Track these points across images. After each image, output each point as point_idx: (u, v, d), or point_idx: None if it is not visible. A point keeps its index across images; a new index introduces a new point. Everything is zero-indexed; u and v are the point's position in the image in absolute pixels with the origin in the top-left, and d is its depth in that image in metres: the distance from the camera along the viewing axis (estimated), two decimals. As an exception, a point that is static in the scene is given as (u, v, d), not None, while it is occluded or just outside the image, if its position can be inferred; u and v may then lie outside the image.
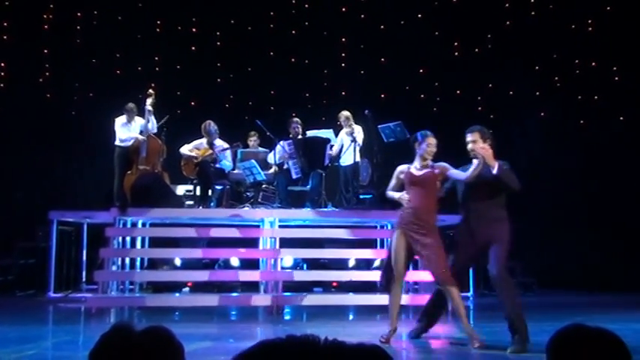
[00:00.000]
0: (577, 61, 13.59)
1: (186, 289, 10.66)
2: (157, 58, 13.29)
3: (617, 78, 13.24)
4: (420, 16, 13.80)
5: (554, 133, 13.03)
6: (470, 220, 6.23)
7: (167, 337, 1.63)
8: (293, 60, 13.60)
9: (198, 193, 9.91)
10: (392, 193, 6.41)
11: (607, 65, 13.28)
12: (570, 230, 12.31)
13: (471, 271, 10.63)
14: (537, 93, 13.53)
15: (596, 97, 13.34)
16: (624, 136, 12.57)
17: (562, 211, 12.53)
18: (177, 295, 10.05)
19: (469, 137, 6.32)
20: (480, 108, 13.71)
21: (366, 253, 10.20)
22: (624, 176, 12.06)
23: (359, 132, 9.96)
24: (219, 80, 13.48)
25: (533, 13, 13.77)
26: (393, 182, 6.43)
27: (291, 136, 9.94)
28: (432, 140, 6.39)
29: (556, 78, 13.66)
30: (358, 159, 9.92)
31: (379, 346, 1.67)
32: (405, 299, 8.94)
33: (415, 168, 6.31)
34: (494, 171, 6.03)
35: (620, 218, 11.88)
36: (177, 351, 1.65)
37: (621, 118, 13.02)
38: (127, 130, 10.06)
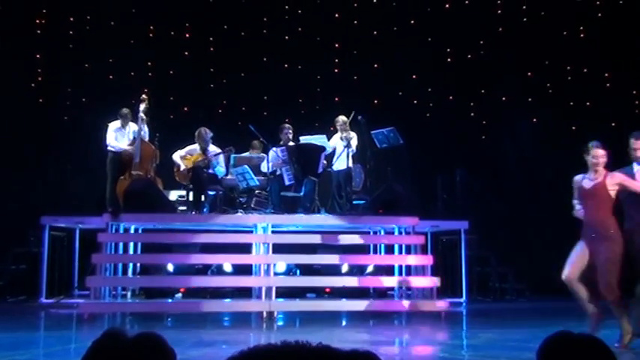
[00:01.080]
0: (569, 68, 13.66)
1: (179, 294, 10.63)
2: (150, 64, 13.27)
3: (608, 84, 13.31)
4: (412, 22, 13.84)
5: (547, 139, 13.08)
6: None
7: (158, 343, 1.62)
8: (286, 65, 13.61)
9: (191, 198, 9.88)
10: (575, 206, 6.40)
11: (598, 72, 13.35)
12: (563, 236, 12.32)
13: (464, 276, 10.66)
14: (529, 99, 13.58)
15: (587, 104, 13.40)
16: (615, 143, 12.60)
17: (555, 217, 12.55)
18: (169, 300, 10.01)
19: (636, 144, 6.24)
20: (472, 114, 13.75)
21: (359, 259, 10.20)
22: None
23: (354, 138, 9.97)
24: (212, 86, 13.47)
25: (525, 19, 13.84)
26: (575, 194, 6.41)
27: (282, 142, 9.93)
28: (595, 152, 6.29)
29: (548, 84, 13.72)
30: (351, 164, 9.92)
31: (372, 353, 1.66)
32: (402, 305, 8.95)
33: (587, 179, 6.26)
34: None
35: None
36: (168, 357, 1.65)
37: (612, 124, 13.08)
38: (121, 135, 10.05)
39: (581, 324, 7.63)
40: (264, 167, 10.02)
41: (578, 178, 6.32)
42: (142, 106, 9.96)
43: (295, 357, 0.92)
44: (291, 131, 10.06)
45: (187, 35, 13.60)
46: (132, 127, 10.05)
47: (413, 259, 9.45)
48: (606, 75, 13.39)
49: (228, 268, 10.88)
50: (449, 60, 13.89)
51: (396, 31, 13.67)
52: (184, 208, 10.11)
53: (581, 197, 6.18)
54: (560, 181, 12.72)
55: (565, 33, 13.63)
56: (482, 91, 13.73)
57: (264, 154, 10.36)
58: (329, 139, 10.27)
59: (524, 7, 13.89)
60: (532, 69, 13.64)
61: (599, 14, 13.53)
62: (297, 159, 9.65)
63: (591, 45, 13.27)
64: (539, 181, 12.81)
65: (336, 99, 13.13)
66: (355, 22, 13.85)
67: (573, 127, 13.35)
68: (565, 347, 1.65)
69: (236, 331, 8.06)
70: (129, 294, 10.23)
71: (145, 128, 10.01)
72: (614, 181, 6.17)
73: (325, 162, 9.95)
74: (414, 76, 13.72)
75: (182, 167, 9.90)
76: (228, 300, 9.83)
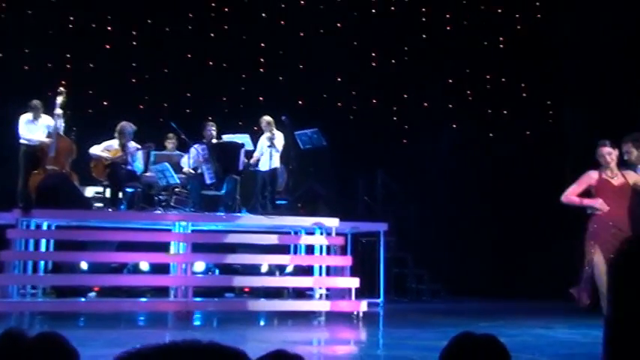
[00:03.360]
0: (488, 77, 14.09)
1: (93, 293, 10.33)
2: (68, 55, 12.85)
3: (524, 94, 13.82)
4: (339, 25, 13.96)
5: (466, 144, 13.45)
6: None
7: (59, 342, 1.57)
8: (211, 63, 13.46)
9: (108, 195, 9.63)
10: (575, 199, 6.17)
11: (515, 81, 13.84)
12: (477, 239, 12.73)
13: (381, 277, 10.83)
14: (450, 105, 13.94)
15: (505, 112, 13.87)
16: (529, 150, 13.12)
17: (470, 219, 12.94)
18: (82, 300, 9.71)
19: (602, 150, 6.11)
20: (395, 118, 13.99)
21: (278, 259, 10.20)
22: (529, 188, 12.57)
23: (279, 138, 9.95)
24: (133, 80, 13.16)
25: (448, 28, 14.19)
26: (576, 187, 6.19)
27: (205, 140, 9.82)
28: (602, 150, 6.12)
29: (468, 92, 14.12)
30: (276, 165, 9.91)
31: (282, 350, 1.66)
32: (320, 305, 9.01)
33: (608, 176, 6.11)
34: None
35: (526, 227, 12.37)
36: (70, 357, 1.59)
37: (527, 133, 13.59)
38: (34, 127, 9.67)
39: (492, 324, 7.90)
40: (184, 163, 9.88)
41: (593, 173, 6.18)
42: (59, 99, 9.63)
43: (183, 355, 0.91)
44: (214, 129, 9.95)
45: (109, 28, 13.25)
46: (45, 119, 9.67)
47: (332, 260, 9.52)
48: (522, 85, 13.89)
49: (145, 266, 10.66)
50: (373, 64, 14.08)
51: (322, 33, 13.75)
52: (101, 204, 9.84)
53: (605, 191, 6.05)
54: (478, 185, 13.18)
55: (485, 43, 14.06)
56: (405, 95, 13.99)
57: (180, 152, 10.23)
58: (253, 140, 10.23)
59: (447, 16, 14.24)
60: (453, 76, 14.00)
61: (518, 27, 14.02)
62: (218, 157, 9.56)
63: (509, 56, 13.73)
64: (456, 185, 13.16)
65: (261, 98, 13.09)
66: (282, 22, 13.85)
67: (490, 135, 13.79)
68: (465, 348, 1.74)
69: (151, 330, 7.90)
70: (39, 292, 9.86)
71: (61, 122, 9.68)
72: (631, 180, 6.14)
73: (246, 160, 9.90)
74: (338, 79, 13.83)
75: (105, 155, 9.60)
76: (144, 299, 9.63)
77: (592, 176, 6.15)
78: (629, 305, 0.90)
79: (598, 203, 6.01)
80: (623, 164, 6.28)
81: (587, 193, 6.28)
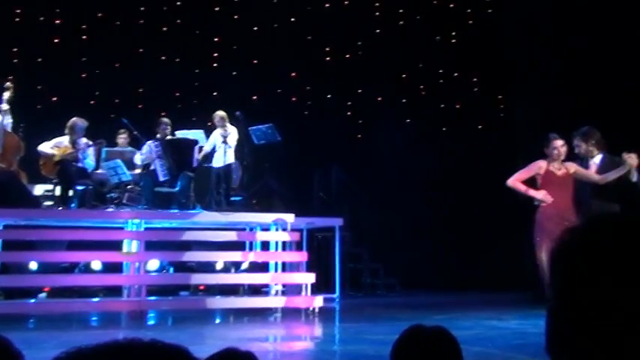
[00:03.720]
0: (441, 71, 14.24)
1: (43, 294, 10.08)
2: (15, 49, 12.50)
3: (476, 89, 14.01)
4: (292, 20, 13.92)
5: (419, 138, 13.58)
6: None
7: (1, 345, 1.50)
8: (163, 58, 13.26)
9: (58, 193, 9.41)
10: (521, 186, 6.31)
11: (467, 76, 14.02)
12: (431, 233, 12.87)
13: (337, 272, 10.86)
14: (404, 100, 14.04)
15: (457, 106, 14.04)
16: (482, 144, 13.31)
17: (424, 214, 13.07)
18: (32, 301, 9.47)
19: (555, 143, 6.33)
20: (349, 113, 14.03)
21: (234, 256, 10.13)
22: (481, 182, 12.75)
23: (232, 133, 9.86)
24: (84, 75, 12.88)
25: (401, 22, 14.28)
26: (523, 173, 6.35)
27: (159, 136, 9.68)
28: (555, 143, 6.41)
29: (421, 86, 14.24)
30: (231, 161, 9.83)
31: (233, 349, 1.64)
32: (276, 302, 8.98)
33: (554, 168, 6.35)
34: (635, 179, 6.13)
35: (478, 221, 12.55)
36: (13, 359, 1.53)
37: (479, 127, 13.79)
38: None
39: (446, 316, 7.99)
40: (137, 160, 9.73)
41: (542, 163, 6.44)
42: (6, 95, 9.36)
43: (123, 354, 0.89)
44: (168, 126, 9.82)
45: (57, 21, 12.94)
46: (-11, 116, 9.39)
47: (288, 256, 9.51)
48: (474, 79, 14.08)
49: (97, 266, 10.45)
50: (327, 59, 14.09)
51: (276, 28, 13.69)
52: (51, 203, 9.61)
53: (550, 184, 6.30)
54: (431, 179, 13.32)
55: (438, 38, 14.20)
56: (359, 90, 14.04)
57: (133, 149, 10.07)
58: (207, 136, 10.13)
59: (400, 11, 14.33)
60: (407, 71, 14.11)
61: (470, 22, 14.20)
62: (171, 153, 9.45)
63: (462, 50, 13.90)
64: (410, 180, 13.28)
65: (215, 94, 12.97)
66: (235, 17, 13.73)
67: (444, 129, 13.94)
68: (415, 339, 1.77)
69: (104, 331, 7.76)
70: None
71: (8, 118, 9.40)
72: (571, 170, 6.40)
73: (200, 154, 9.80)
74: (292, 74, 13.79)
75: (54, 152, 9.37)
76: (96, 299, 9.45)
77: (541, 166, 6.41)
78: (568, 295, 0.91)
79: (541, 194, 6.24)
80: (576, 157, 6.50)
81: (532, 183, 6.48)
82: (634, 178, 6.47)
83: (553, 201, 6.25)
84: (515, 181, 6.45)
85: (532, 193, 6.36)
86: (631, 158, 6.45)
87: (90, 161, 9.64)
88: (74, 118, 9.55)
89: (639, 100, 10.38)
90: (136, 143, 10.14)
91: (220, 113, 9.89)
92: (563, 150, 6.41)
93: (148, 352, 0.90)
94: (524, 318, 7.77)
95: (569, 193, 6.33)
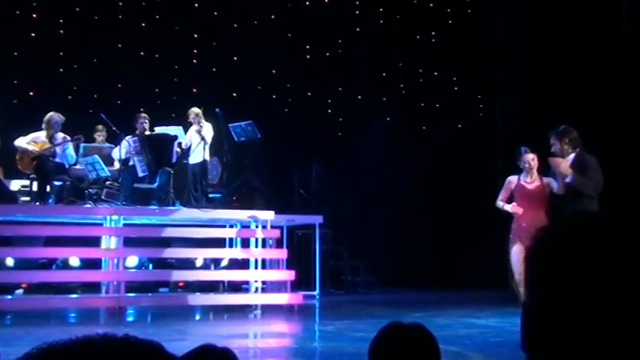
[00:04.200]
0: (421, 70, 14.30)
1: (20, 290, 9.98)
2: (-10, 43, 12.33)
3: (455, 88, 14.08)
4: (273, 17, 13.88)
5: (399, 137, 13.62)
6: None
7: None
8: (142, 53, 13.16)
9: (35, 188, 9.31)
10: (502, 204, 6.68)
11: (447, 75, 14.09)
12: (412, 230, 12.93)
13: (317, 269, 10.88)
14: (384, 98, 14.08)
15: (437, 105, 14.10)
16: (462, 143, 13.39)
17: (405, 211, 13.13)
18: (9, 297, 9.37)
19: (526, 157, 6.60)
20: (329, 110, 14.04)
21: (214, 253, 10.10)
22: (461, 180, 12.83)
23: (208, 130, 9.80)
24: (61, 70, 12.74)
25: (381, 21, 14.31)
26: (503, 193, 6.73)
27: (137, 132, 9.61)
28: (526, 157, 6.65)
29: (401, 85, 14.29)
30: (207, 157, 9.78)
31: (210, 345, 1.64)
32: (256, 299, 8.98)
33: (525, 181, 6.62)
34: (568, 179, 6.24)
35: (457, 219, 12.62)
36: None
37: (459, 125, 13.87)
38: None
39: (426, 314, 8.04)
40: (115, 155, 9.64)
41: (513, 178, 6.78)
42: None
43: (96, 349, 0.88)
44: (147, 121, 9.75)
45: (34, 15, 12.77)
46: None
47: (268, 253, 9.50)
48: (454, 78, 14.15)
49: (75, 262, 10.37)
50: (308, 56, 14.08)
51: (256, 24, 13.65)
52: (28, 198, 9.50)
53: (522, 197, 6.58)
54: (411, 177, 13.38)
55: (418, 37, 14.26)
56: (340, 88, 14.05)
57: (111, 145, 9.99)
58: (186, 132, 10.07)
59: (380, 10, 14.36)
60: (387, 70, 14.15)
61: (450, 21, 14.27)
62: (150, 149, 9.39)
63: (442, 50, 13.97)
64: (391, 178, 13.32)
65: (194, 90, 12.90)
66: (215, 13, 13.67)
67: (424, 127, 14.01)
68: (393, 336, 1.79)
69: (82, 328, 7.68)
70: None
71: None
72: (547, 182, 6.65)
73: (179, 150, 9.74)
74: (273, 71, 13.76)
75: (30, 149, 9.27)
76: (74, 295, 9.37)
77: (511, 181, 6.82)
78: (542, 293, 0.92)
79: (511, 207, 6.57)
80: (552, 155, 6.59)
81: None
82: (554, 190, 6.63)
83: (524, 212, 6.55)
84: (498, 202, 6.88)
85: (506, 207, 6.73)
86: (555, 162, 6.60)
87: (72, 154, 9.54)
88: (51, 113, 9.45)
89: (621, 100, 10.50)
90: (114, 139, 10.05)
91: (195, 110, 9.81)
92: (534, 163, 6.67)
93: (121, 347, 0.90)
94: (502, 316, 7.84)
95: (541, 204, 6.56)
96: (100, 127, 10.29)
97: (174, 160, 9.51)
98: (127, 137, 9.46)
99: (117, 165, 9.64)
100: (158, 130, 10.01)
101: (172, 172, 9.50)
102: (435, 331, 1.91)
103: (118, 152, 9.57)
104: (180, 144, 9.79)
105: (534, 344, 0.93)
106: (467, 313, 8.32)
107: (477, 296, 10.42)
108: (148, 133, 9.67)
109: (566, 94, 10.79)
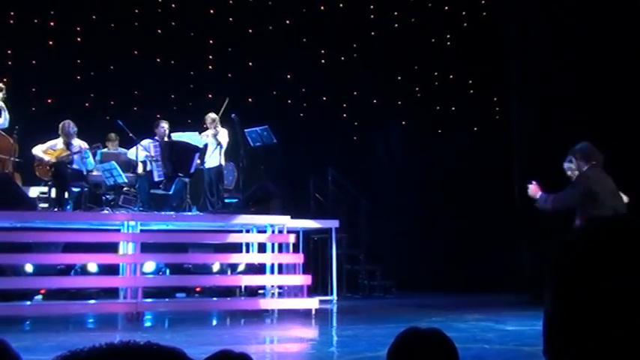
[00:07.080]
0: (436, 73, 14.26)
1: (39, 296, 10.06)
2: (9, 52, 12.47)
3: (471, 91, 14.03)
4: (288, 22, 13.92)
5: (415, 141, 13.59)
6: None
7: (1, 347, 1.50)
8: (158, 60, 13.25)
9: (53, 195, 9.38)
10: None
11: (463, 78, 14.04)
12: (428, 234, 12.87)
13: (333, 273, 10.86)
14: (399, 102, 14.05)
15: (453, 108, 14.05)
16: (478, 146, 13.32)
17: (421, 215, 13.08)
18: (28, 303, 9.45)
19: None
20: (345, 115, 14.03)
21: (230, 258, 10.12)
22: (478, 183, 12.77)
23: (224, 135, 9.83)
24: (79, 78, 12.86)
25: (397, 25, 14.30)
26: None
27: (157, 137, 9.66)
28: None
29: (417, 88, 14.26)
30: (223, 162, 9.81)
31: (228, 351, 1.64)
32: (272, 304, 8.97)
33: None
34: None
35: (475, 222, 12.55)
36: (12, 362, 1.52)
37: (475, 129, 13.80)
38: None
39: (444, 318, 8.00)
40: (131, 154, 9.64)
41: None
42: (-1, 95, 9.32)
43: (119, 357, 0.88)
44: (167, 127, 9.80)
45: (52, 23, 12.90)
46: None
47: (284, 258, 9.50)
48: (470, 82, 14.10)
49: (93, 268, 10.44)
50: (323, 61, 14.09)
51: (271, 30, 13.69)
52: (46, 205, 9.58)
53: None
54: (427, 181, 13.34)
55: (433, 40, 14.22)
56: (355, 92, 14.05)
57: (125, 150, 10.04)
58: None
59: (395, 14, 14.35)
60: (402, 73, 14.12)
61: (465, 24, 14.22)
62: (170, 156, 9.42)
63: (457, 53, 13.92)
64: (406, 182, 13.28)
65: (210, 96, 12.95)
66: (231, 19, 13.73)
67: (439, 131, 13.96)
68: (411, 343, 1.76)
69: (100, 333, 7.73)
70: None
71: (6, 115, 9.32)
72: None
73: (199, 161, 9.77)
74: (288, 76, 13.79)
75: (46, 159, 9.35)
76: (93, 301, 9.42)
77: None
78: (566, 297, 0.91)
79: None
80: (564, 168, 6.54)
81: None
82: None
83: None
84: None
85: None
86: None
87: (91, 161, 9.63)
88: (64, 122, 9.55)
89: (636, 106, 10.39)
90: (128, 146, 10.10)
91: (212, 115, 9.86)
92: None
93: (144, 354, 0.90)
94: (520, 320, 7.78)
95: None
96: (113, 135, 10.34)
97: (192, 170, 9.53)
98: (147, 140, 9.50)
99: (140, 166, 9.61)
100: (175, 136, 10.04)
101: (188, 181, 9.54)
102: (452, 336, 1.90)
103: (135, 152, 9.53)
104: (201, 156, 9.79)
105: (557, 350, 0.92)
106: (485, 316, 8.26)
107: (495, 300, 10.34)
108: (166, 139, 9.72)
109: (584, 97, 10.70)
